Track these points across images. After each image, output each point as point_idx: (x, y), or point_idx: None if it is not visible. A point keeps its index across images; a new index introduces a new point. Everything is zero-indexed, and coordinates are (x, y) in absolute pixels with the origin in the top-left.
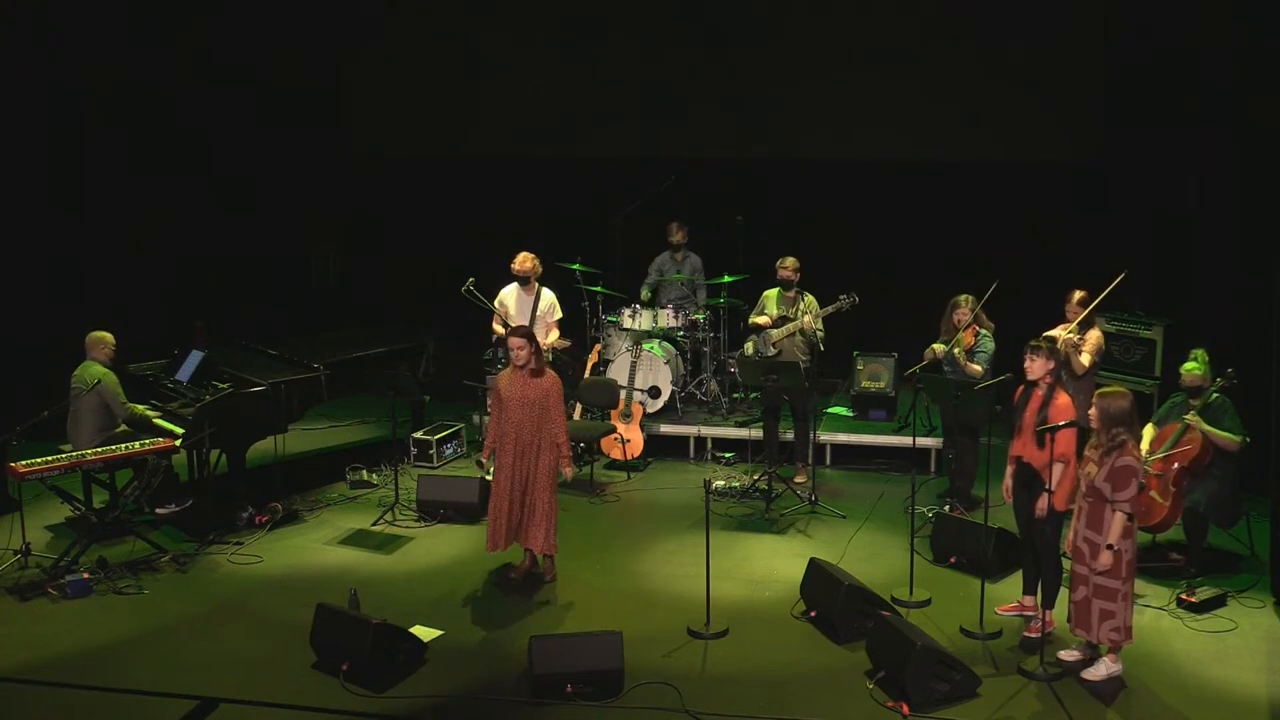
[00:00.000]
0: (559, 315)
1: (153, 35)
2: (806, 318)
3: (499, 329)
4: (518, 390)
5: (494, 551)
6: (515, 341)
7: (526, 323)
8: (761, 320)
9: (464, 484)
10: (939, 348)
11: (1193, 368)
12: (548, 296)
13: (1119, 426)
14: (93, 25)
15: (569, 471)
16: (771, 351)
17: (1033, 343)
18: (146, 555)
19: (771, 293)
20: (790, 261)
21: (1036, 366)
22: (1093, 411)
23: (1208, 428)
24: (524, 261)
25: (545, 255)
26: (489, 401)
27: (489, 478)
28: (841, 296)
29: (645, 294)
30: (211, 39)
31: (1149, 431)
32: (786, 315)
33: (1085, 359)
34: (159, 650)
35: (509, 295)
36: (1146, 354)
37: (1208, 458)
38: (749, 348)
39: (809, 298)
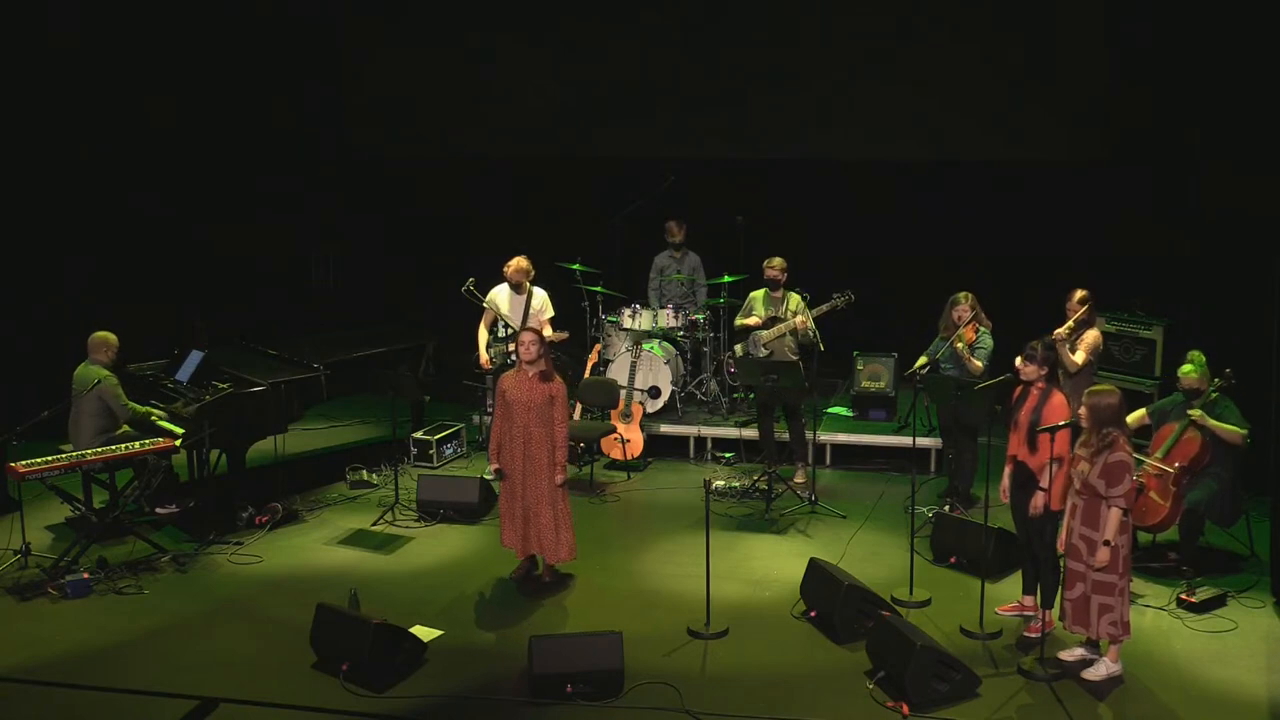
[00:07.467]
0: (551, 313)
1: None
2: (799, 318)
3: (485, 331)
4: (523, 393)
5: (507, 547)
6: (526, 337)
7: (519, 322)
8: (751, 322)
9: (464, 484)
10: (924, 360)
11: (1189, 370)
12: (540, 295)
13: (1109, 425)
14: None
15: (560, 478)
16: (762, 353)
17: (1029, 346)
18: (146, 555)
19: (758, 294)
20: (778, 261)
21: (1030, 369)
22: (1083, 410)
23: (1213, 422)
24: (518, 271)
25: (545, 255)
26: (488, 402)
27: (489, 477)
28: (835, 295)
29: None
30: (209, 38)
31: (1139, 415)
32: (776, 316)
33: (1079, 357)
34: (159, 650)
35: (500, 296)
36: (1146, 354)
37: (1207, 456)
38: (739, 350)
39: (795, 297)
